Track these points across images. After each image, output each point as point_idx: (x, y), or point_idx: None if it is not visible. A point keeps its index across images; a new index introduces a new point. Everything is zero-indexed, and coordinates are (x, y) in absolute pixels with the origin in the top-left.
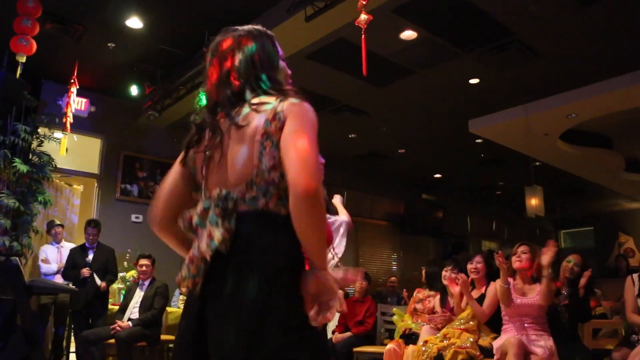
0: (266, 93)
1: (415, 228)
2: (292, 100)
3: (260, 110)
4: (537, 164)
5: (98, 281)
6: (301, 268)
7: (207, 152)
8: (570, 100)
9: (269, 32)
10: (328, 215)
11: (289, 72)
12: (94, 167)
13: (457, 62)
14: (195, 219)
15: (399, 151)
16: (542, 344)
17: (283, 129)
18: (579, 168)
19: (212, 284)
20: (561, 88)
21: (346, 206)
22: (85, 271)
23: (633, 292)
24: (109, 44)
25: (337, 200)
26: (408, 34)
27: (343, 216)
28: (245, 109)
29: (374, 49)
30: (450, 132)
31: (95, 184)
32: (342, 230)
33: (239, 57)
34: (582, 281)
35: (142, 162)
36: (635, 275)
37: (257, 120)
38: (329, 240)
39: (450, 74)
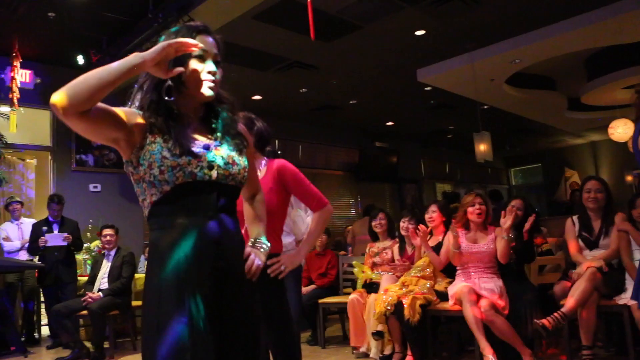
0: None
1: (371, 175)
2: None
3: None
4: (485, 107)
5: (61, 238)
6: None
7: None
8: (514, 47)
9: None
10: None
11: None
12: (45, 139)
13: (402, 15)
14: None
15: (351, 102)
16: (492, 285)
17: None
18: (525, 109)
19: None
20: (505, 35)
21: (302, 158)
22: (42, 240)
23: (574, 233)
24: (49, 14)
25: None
26: None
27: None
28: None
29: (320, 7)
30: (400, 82)
31: (49, 157)
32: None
33: None
34: (527, 226)
35: None
36: (575, 217)
37: None
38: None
39: (396, 26)
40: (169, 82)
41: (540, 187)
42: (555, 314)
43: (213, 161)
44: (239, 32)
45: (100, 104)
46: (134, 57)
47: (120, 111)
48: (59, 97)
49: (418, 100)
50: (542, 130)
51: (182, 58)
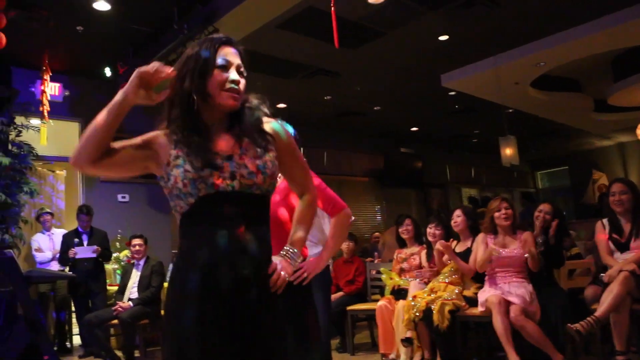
0: None
1: (396, 181)
2: None
3: None
4: (510, 110)
5: (91, 251)
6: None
7: None
8: (538, 49)
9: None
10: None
11: None
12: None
13: (425, 21)
14: None
15: (375, 108)
16: (522, 290)
17: None
18: (550, 112)
19: None
20: (528, 38)
21: (327, 165)
22: (72, 252)
23: (605, 235)
24: (77, 28)
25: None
26: None
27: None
28: None
29: (343, 15)
30: (424, 87)
31: None
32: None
33: None
34: (551, 231)
35: None
36: (604, 220)
37: None
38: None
39: (419, 32)
40: (193, 95)
41: (567, 190)
42: (589, 318)
43: (235, 171)
44: (263, 41)
45: (115, 144)
46: (118, 96)
47: (138, 140)
48: (72, 156)
49: (442, 105)
50: (569, 133)
51: (206, 69)
